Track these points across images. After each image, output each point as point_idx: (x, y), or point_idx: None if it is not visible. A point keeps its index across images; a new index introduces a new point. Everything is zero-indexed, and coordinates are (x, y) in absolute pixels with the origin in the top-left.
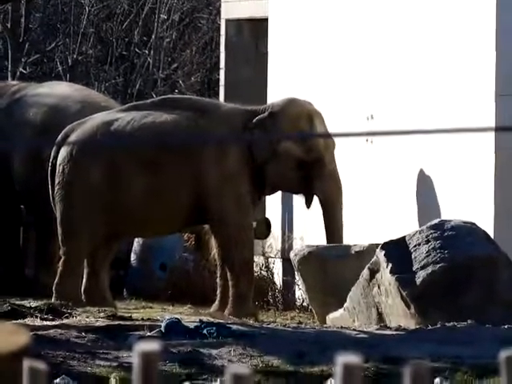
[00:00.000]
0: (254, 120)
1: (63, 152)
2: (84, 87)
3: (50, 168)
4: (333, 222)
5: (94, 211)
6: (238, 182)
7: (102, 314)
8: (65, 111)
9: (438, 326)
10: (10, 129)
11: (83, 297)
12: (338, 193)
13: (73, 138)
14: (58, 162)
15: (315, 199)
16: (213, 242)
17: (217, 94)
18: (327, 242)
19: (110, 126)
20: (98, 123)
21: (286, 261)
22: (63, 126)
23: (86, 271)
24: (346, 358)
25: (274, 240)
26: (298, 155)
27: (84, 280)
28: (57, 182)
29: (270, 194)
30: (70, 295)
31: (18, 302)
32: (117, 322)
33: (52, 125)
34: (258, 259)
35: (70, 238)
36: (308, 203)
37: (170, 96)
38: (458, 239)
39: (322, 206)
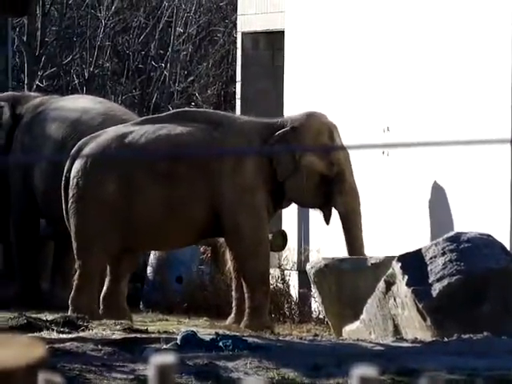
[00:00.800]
0: (276, 134)
1: (77, 165)
2: (106, 100)
3: (63, 181)
4: (355, 237)
5: (108, 225)
6: (255, 195)
7: (118, 327)
8: (87, 124)
9: (454, 338)
10: (33, 142)
11: (101, 307)
12: (358, 207)
13: (86, 150)
14: (71, 176)
15: (334, 213)
16: (228, 255)
17: (233, 107)
18: (349, 254)
19: (123, 139)
20: (111, 136)
21: (302, 273)
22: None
23: (106, 282)
24: (362, 371)
25: (290, 252)
26: (321, 170)
27: (104, 290)
28: (71, 195)
29: (286, 207)
30: (86, 308)
31: (34, 316)
32: (133, 335)
33: (74, 138)
34: (274, 271)
35: (85, 252)
36: (327, 219)
37: (184, 109)
38: (474, 251)
39: (342, 219)
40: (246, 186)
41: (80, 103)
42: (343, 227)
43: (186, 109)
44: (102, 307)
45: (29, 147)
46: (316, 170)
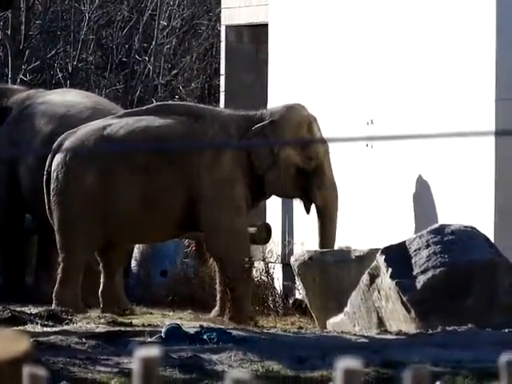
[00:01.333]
0: (255, 127)
1: (57, 159)
2: (93, 94)
3: (45, 176)
4: (329, 230)
5: (89, 218)
6: (233, 188)
7: (102, 320)
8: (75, 118)
9: (439, 330)
10: (20, 137)
11: (101, 303)
12: (336, 201)
13: (66, 144)
14: (52, 170)
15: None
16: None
17: (217, 100)
18: (320, 247)
19: (102, 132)
20: (91, 129)
21: (287, 266)
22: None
23: (101, 278)
24: (346, 363)
25: (274, 245)
26: (299, 163)
27: (100, 287)
28: (52, 189)
29: (266, 199)
30: (70, 302)
31: (18, 309)
32: (117, 328)
33: (62, 133)
34: (258, 264)
35: (67, 245)
36: (307, 209)
37: (166, 102)
38: (458, 244)
39: (319, 213)
40: (224, 179)
41: (68, 97)
42: (318, 220)
43: (168, 102)
44: (101, 303)
45: (15, 142)
46: (294, 164)
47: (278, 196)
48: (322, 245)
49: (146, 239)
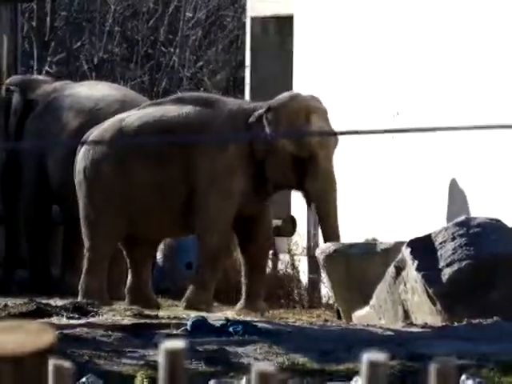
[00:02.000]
0: (253, 116)
1: (81, 152)
2: (122, 87)
3: (75, 169)
4: (326, 221)
5: (110, 209)
6: (229, 179)
7: (128, 313)
8: (104, 111)
9: (464, 323)
10: (47, 129)
11: (127, 299)
12: (329, 191)
13: (89, 137)
14: (76, 162)
15: (349, 199)
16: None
17: (242, 92)
18: (324, 241)
19: (120, 124)
20: (111, 122)
21: (312, 258)
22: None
23: (129, 273)
24: (371, 356)
25: (300, 238)
26: (292, 152)
27: (127, 283)
28: (76, 181)
29: (274, 191)
30: (96, 293)
31: (44, 301)
32: (143, 321)
33: (91, 125)
34: (284, 257)
35: (92, 236)
36: (307, 202)
37: (185, 93)
38: (483, 236)
39: (314, 203)
40: (224, 169)
41: (96, 90)
42: (316, 211)
43: (189, 93)
44: (127, 299)
45: (42, 134)
46: (287, 152)
47: (279, 186)
48: (323, 238)
49: (160, 232)
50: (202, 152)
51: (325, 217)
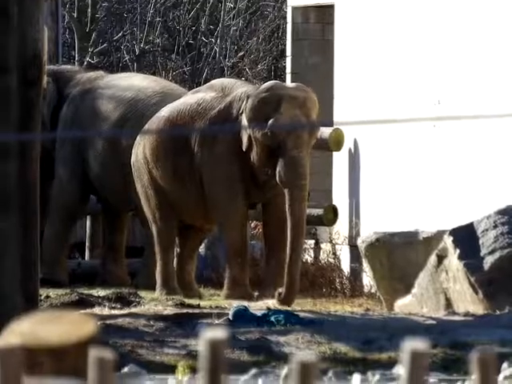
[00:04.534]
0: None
1: (138, 141)
2: (160, 78)
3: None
4: (290, 211)
5: (161, 198)
6: (229, 166)
7: (170, 303)
8: (144, 103)
9: (506, 311)
10: (84, 121)
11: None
12: (295, 180)
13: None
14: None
15: (388, 187)
16: None
17: (283, 82)
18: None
19: (160, 113)
20: (161, 111)
21: (354, 247)
22: (142, 117)
23: (175, 260)
24: (413, 344)
25: (341, 227)
26: (262, 140)
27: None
28: (134, 169)
29: (267, 181)
30: (163, 281)
31: (85, 292)
32: (185, 311)
33: (131, 118)
34: (326, 246)
35: (152, 225)
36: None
37: (218, 79)
38: None
39: (285, 191)
40: (219, 157)
41: (134, 81)
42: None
43: (228, 79)
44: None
45: (79, 125)
46: (259, 141)
47: (261, 176)
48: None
49: (190, 218)
50: (201, 141)
51: (290, 205)
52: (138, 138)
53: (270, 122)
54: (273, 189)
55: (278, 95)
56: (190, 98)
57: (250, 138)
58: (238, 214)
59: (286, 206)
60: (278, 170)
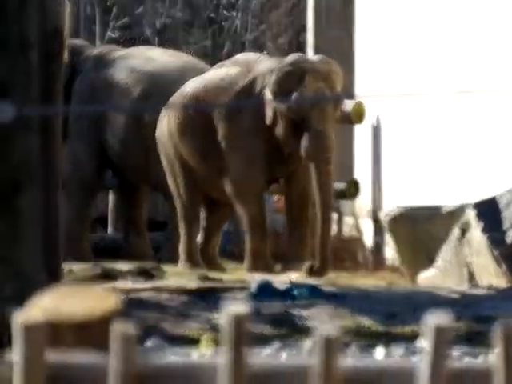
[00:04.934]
0: (264, 81)
1: (163, 117)
2: (179, 52)
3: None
4: (317, 185)
5: (186, 174)
6: (248, 140)
7: (193, 276)
8: (165, 78)
9: None
10: (99, 96)
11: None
12: (320, 154)
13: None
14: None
15: (416, 160)
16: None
17: (306, 55)
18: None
19: (182, 90)
20: (185, 86)
21: (376, 221)
22: (164, 92)
23: (200, 234)
24: (436, 318)
25: (364, 200)
26: (286, 113)
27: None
28: (160, 145)
29: (289, 156)
30: (187, 256)
31: (108, 266)
32: (208, 284)
33: (153, 92)
34: (348, 220)
35: (178, 202)
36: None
37: (247, 54)
38: None
39: (310, 165)
40: (241, 131)
41: (153, 55)
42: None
43: (246, 54)
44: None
45: (95, 100)
46: (284, 114)
47: (285, 150)
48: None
49: (215, 193)
50: (225, 116)
51: (316, 177)
52: (162, 112)
53: (294, 95)
54: (296, 162)
55: (302, 68)
56: (214, 74)
57: (274, 111)
58: (256, 186)
59: (313, 179)
60: (302, 143)
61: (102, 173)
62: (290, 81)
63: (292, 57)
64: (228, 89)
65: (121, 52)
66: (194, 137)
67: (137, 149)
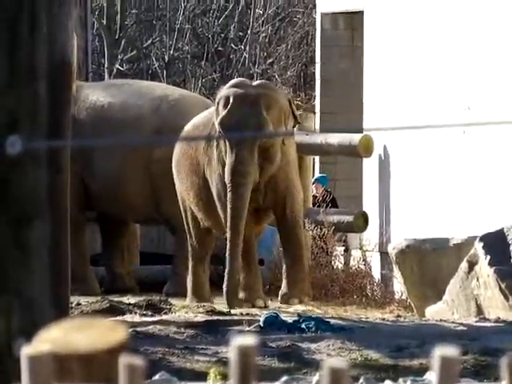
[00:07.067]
0: None
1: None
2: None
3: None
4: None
5: (194, 206)
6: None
7: (200, 310)
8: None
9: None
10: (87, 129)
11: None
12: (234, 179)
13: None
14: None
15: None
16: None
17: (313, 88)
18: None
19: (190, 123)
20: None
21: (384, 254)
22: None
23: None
24: (443, 351)
25: (372, 233)
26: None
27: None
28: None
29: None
30: (193, 290)
31: (116, 299)
32: (215, 318)
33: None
34: (356, 253)
35: (186, 234)
36: None
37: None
38: None
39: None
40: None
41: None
42: None
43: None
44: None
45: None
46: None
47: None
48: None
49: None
50: (205, 152)
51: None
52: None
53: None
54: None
55: (227, 92)
56: (207, 111)
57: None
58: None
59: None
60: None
61: (83, 210)
62: (221, 106)
63: (230, 82)
64: (208, 126)
65: (88, 88)
66: (185, 175)
67: (141, 185)
